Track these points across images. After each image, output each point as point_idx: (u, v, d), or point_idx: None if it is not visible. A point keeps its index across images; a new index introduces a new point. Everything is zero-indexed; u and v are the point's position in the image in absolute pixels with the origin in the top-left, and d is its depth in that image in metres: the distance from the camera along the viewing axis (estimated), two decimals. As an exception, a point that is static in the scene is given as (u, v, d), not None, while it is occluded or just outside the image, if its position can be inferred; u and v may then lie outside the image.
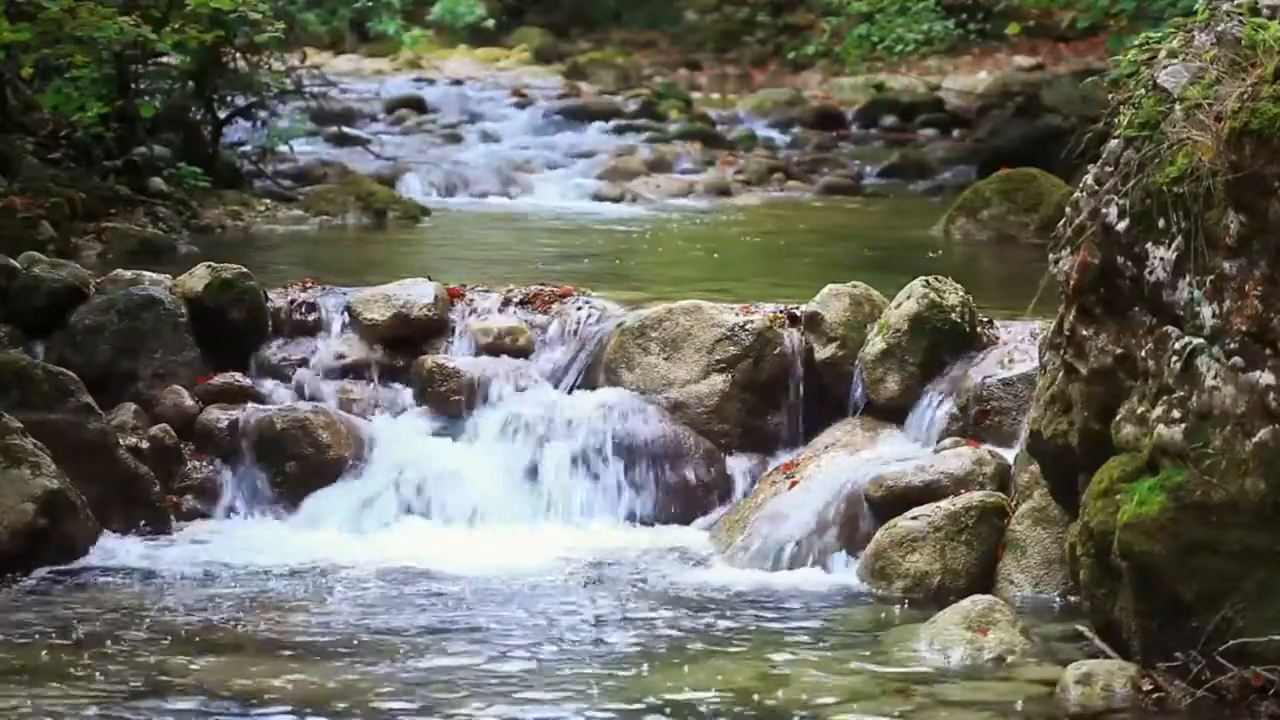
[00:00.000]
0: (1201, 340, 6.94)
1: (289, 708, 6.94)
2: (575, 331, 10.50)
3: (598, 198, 18.39)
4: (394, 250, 14.67)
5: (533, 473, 9.83)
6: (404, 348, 10.46)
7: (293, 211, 15.72)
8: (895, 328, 9.76)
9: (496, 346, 10.44)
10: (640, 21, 32.86)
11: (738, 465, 9.96)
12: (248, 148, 17.02)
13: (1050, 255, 7.73)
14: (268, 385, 10.30)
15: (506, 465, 9.88)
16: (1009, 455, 9.01)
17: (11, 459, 8.96)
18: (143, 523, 9.52)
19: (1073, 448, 7.60)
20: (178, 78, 16.01)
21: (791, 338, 10.11)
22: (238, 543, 9.40)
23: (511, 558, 9.14)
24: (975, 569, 8.60)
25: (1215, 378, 6.89)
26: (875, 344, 9.80)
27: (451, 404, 10.21)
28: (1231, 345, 6.84)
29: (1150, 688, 6.99)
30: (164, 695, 7.04)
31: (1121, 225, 7.22)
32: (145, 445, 9.79)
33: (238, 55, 16.44)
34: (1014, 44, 26.46)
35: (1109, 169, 7.35)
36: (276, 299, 10.70)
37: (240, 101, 16.95)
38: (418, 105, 24.05)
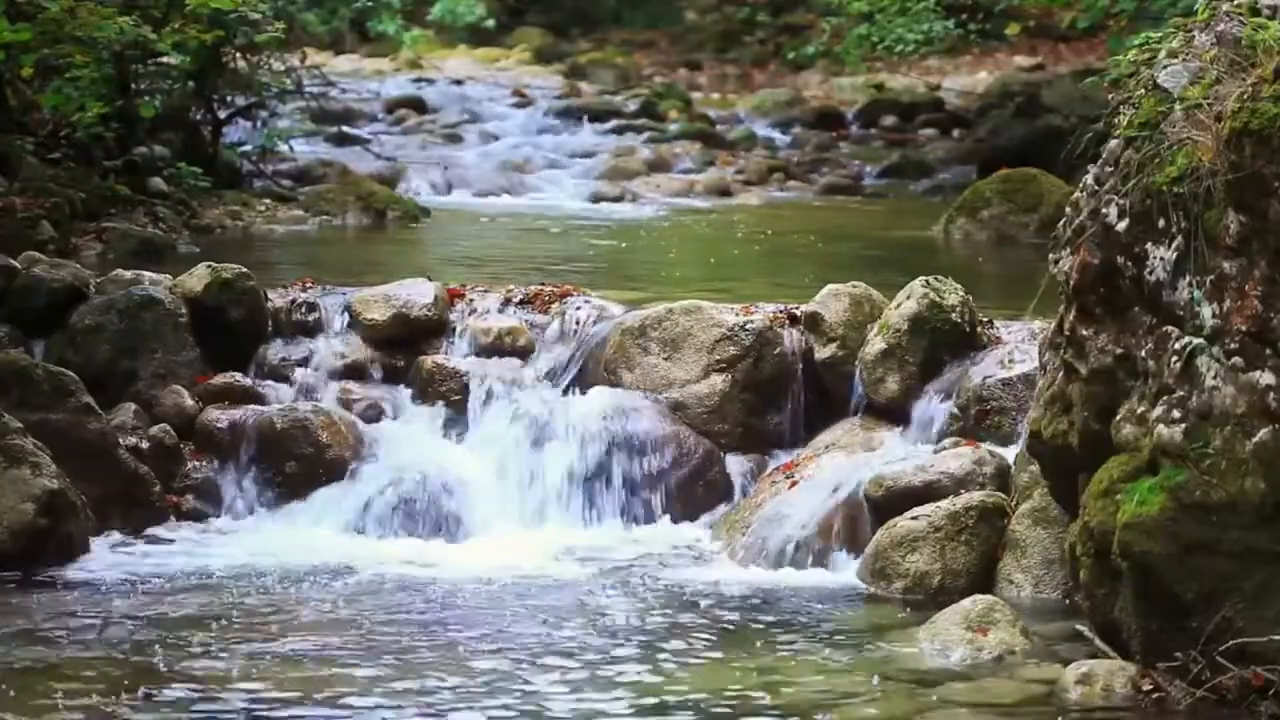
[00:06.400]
0: (1201, 340, 6.94)
1: (288, 708, 6.94)
2: (575, 331, 10.49)
3: (597, 198, 18.38)
4: (394, 250, 14.67)
5: (532, 472, 9.82)
6: (404, 348, 10.46)
7: (293, 211, 15.72)
8: (895, 328, 9.76)
9: (496, 346, 10.44)
10: (640, 21, 32.86)
11: (738, 465, 9.96)
12: (248, 148, 17.01)
13: (1050, 255, 7.73)
14: (268, 385, 10.30)
15: (506, 465, 9.87)
16: (1009, 455, 9.01)
17: (11, 459, 8.96)
18: (142, 523, 9.52)
19: (1073, 448, 7.60)
20: (178, 78, 16.00)
21: (791, 338, 10.11)
22: (238, 543, 9.41)
23: (511, 558, 9.14)
24: (975, 569, 8.59)
25: (1215, 378, 6.89)
26: (875, 344, 9.79)
27: (451, 404, 10.21)
28: (1231, 345, 6.84)
29: (1150, 688, 6.99)
30: (163, 694, 7.04)
31: (1121, 225, 7.22)
32: (145, 445, 9.79)
33: (238, 55, 16.44)
34: (1014, 44, 26.45)
35: (1109, 169, 7.34)
36: (276, 299, 10.69)
37: (240, 101, 16.95)
38: (418, 105, 24.07)
